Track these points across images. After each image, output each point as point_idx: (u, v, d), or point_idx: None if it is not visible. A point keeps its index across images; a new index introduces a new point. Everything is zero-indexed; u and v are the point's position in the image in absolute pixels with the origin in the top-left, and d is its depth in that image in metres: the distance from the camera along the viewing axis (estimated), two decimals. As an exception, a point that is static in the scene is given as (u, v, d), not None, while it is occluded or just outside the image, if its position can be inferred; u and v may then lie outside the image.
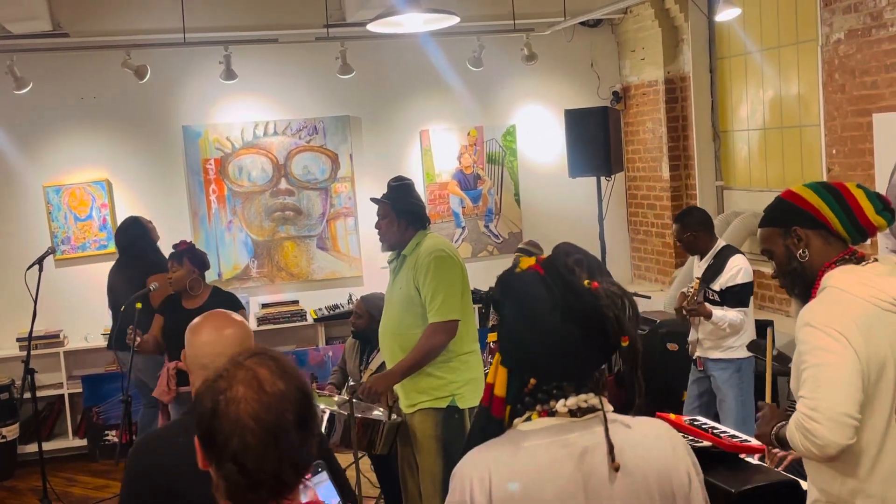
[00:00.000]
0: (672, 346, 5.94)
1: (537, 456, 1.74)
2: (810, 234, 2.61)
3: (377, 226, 4.44)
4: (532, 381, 1.75)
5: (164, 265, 5.66)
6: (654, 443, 1.78)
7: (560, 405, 1.75)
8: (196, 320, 2.51)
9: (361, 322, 5.42)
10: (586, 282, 1.72)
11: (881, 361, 2.46)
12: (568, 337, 1.72)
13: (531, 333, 1.75)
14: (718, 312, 5.07)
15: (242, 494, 1.49)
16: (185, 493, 2.33)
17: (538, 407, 1.77)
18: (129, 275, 6.29)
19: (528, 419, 1.77)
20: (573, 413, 1.75)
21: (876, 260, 2.61)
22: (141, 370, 5.94)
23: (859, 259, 2.61)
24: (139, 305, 5.38)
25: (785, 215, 2.66)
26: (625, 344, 1.70)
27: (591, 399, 1.76)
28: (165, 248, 6.13)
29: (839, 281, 2.54)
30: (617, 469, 1.70)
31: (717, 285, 5.17)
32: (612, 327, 1.70)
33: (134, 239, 6.49)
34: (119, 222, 7.37)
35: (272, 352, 1.64)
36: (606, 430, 1.72)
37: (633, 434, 1.77)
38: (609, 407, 1.78)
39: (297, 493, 1.59)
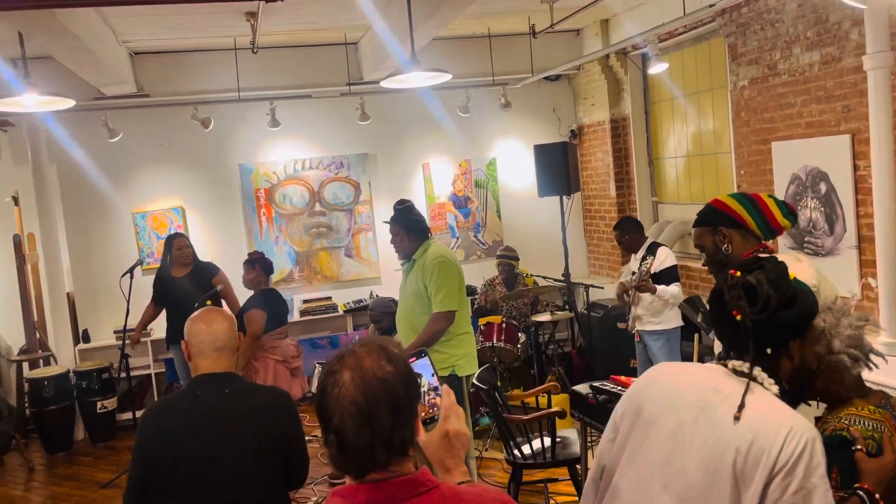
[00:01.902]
0: (622, 325, 5.94)
1: (685, 373, 1.72)
2: (732, 233, 2.60)
3: (393, 241, 4.37)
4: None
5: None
6: (770, 421, 1.53)
7: (729, 364, 1.68)
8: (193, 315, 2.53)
9: (384, 324, 5.39)
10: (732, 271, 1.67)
11: None
12: (715, 313, 1.71)
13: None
14: (661, 287, 5.07)
15: (340, 463, 1.42)
16: (175, 455, 2.29)
17: (720, 361, 1.72)
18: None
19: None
20: (736, 372, 1.66)
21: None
22: None
23: (770, 252, 2.61)
24: (210, 303, 5.37)
25: (713, 218, 2.65)
26: (737, 318, 1.63)
27: (746, 367, 1.64)
28: (224, 260, 6.12)
29: None
30: (737, 419, 1.55)
31: (653, 269, 5.17)
32: (727, 303, 1.64)
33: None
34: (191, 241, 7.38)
35: (385, 342, 1.49)
36: (747, 389, 1.59)
37: (764, 407, 1.57)
38: (765, 379, 1.63)
39: (400, 465, 1.43)
